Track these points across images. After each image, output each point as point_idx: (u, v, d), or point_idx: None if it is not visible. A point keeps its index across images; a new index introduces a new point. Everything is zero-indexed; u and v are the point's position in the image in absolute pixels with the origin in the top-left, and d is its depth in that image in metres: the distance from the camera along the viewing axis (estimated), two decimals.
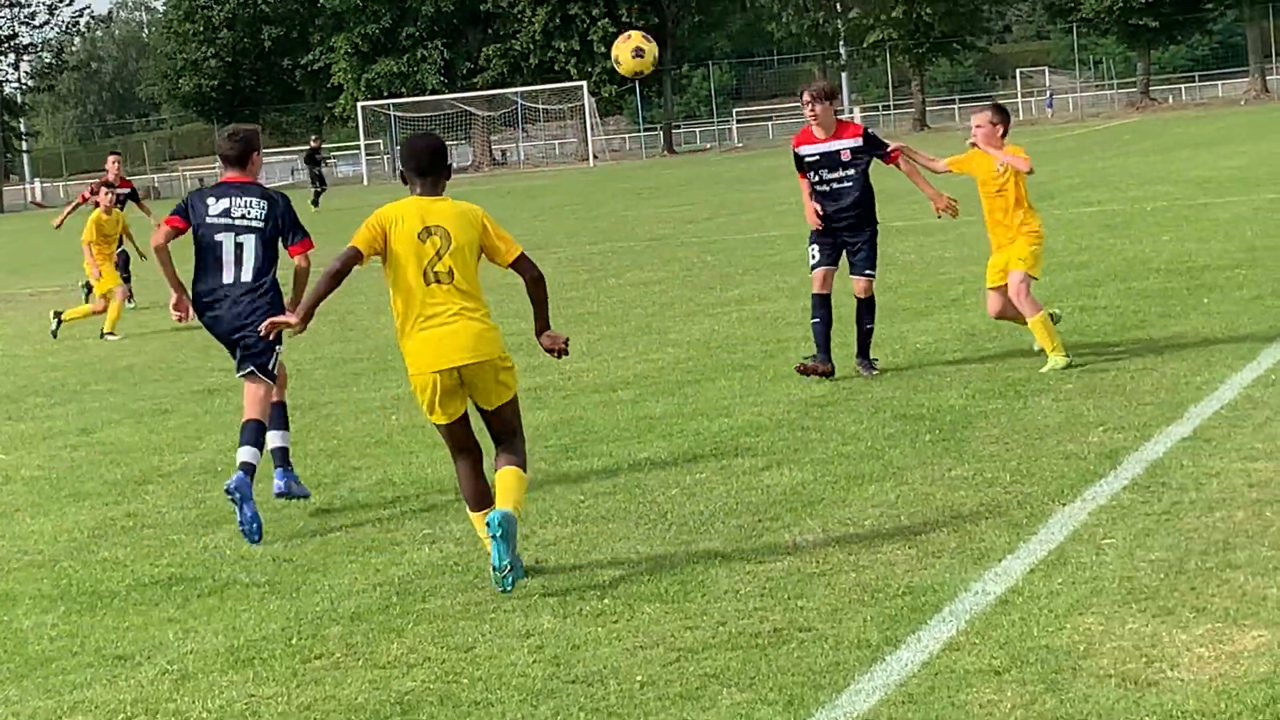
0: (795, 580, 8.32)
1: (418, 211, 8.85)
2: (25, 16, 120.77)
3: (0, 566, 10.15)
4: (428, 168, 8.94)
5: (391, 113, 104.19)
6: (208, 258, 11.12)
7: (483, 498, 8.97)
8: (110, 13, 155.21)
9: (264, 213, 11.21)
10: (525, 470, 8.95)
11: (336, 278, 8.85)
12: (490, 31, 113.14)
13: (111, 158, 28.35)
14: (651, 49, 14.37)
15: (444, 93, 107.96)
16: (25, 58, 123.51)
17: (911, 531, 9.06)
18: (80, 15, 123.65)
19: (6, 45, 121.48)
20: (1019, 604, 7.63)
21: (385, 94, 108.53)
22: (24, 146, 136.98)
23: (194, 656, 7.94)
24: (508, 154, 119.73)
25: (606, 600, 8.24)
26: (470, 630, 7.96)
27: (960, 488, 9.98)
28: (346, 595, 8.77)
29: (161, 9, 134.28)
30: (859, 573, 8.36)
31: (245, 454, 10.65)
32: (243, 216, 11.14)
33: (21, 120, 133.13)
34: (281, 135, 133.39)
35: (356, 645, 7.90)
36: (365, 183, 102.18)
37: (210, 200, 11.22)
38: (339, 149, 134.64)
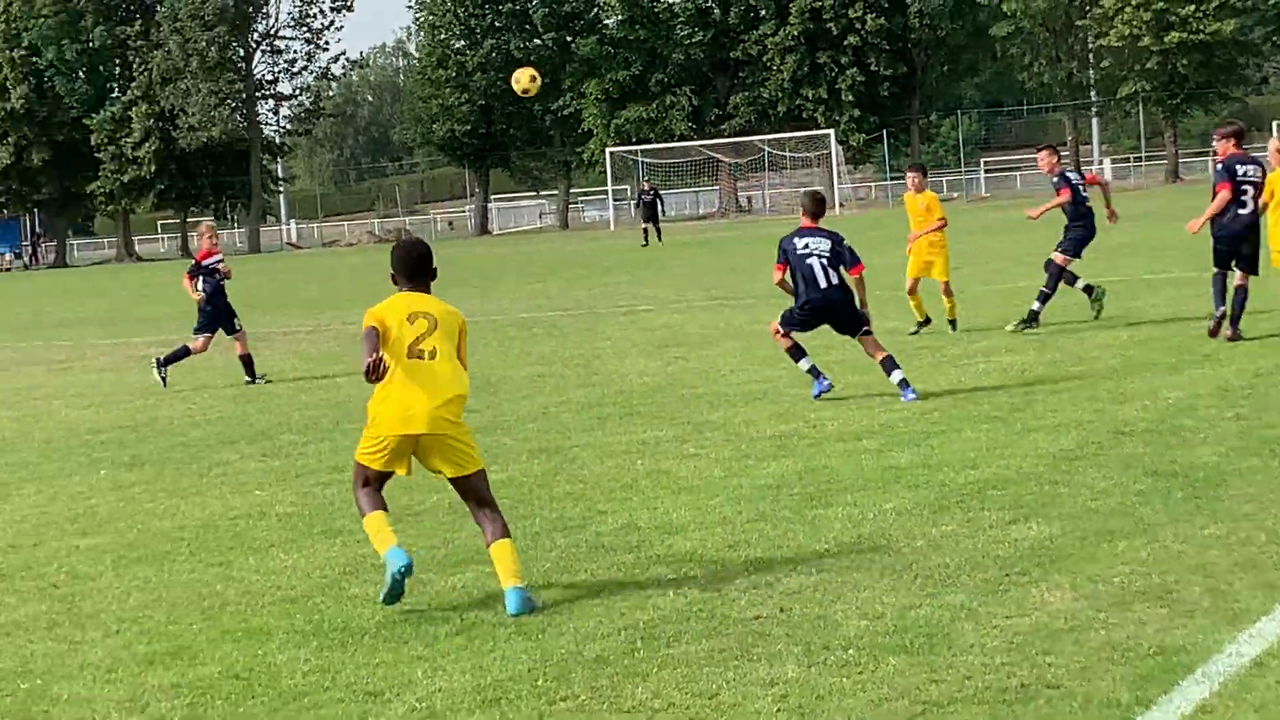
0: (1043, 636, 8.22)
1: (405, 301, 9.98)
2: (285, 63, 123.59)
3: (255, 601, 10.36)
4: (415, 273, 10.15)
5: (639, 158, 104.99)
6: (809, 275, 17.31)
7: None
8: (364, 57, 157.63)
9: (828, 248, 17.30)
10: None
11: (374, 339, 9.79)
12: (739, 79, 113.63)
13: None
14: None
15: (692, 139, 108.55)
16: (285, 104, 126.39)
17: (1163, 590, 8.92)
18: (335, 60, 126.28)
19: (268, 92, 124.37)
20: (1274, 667, 7.47)
21: (634, 140, 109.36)
22: (281, 188, 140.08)
23: (442, 695, 8.04)
24: (753, 201, 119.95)
25: (851, 651, 8.21)
26: (714, 677, 7.97)
27: (1213, 547, 9.80)
28: (592, 638, 8.82)
29: (416, 55, 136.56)
30: (1108, 630, 8.24)
31: (896, 376, 17.14)
32: (818, 249, 17.31)
33: (279, 163, 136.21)
34: (530, 181, 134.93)
35: (602, 689, 7.95)
36: (612, 227, 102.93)
37: (797, 240, 17.39)
38: (586, 194, 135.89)
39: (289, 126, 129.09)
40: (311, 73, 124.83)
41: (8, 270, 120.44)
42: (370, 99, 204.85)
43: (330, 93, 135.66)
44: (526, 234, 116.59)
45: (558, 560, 10.84)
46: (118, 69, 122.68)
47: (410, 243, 10.38)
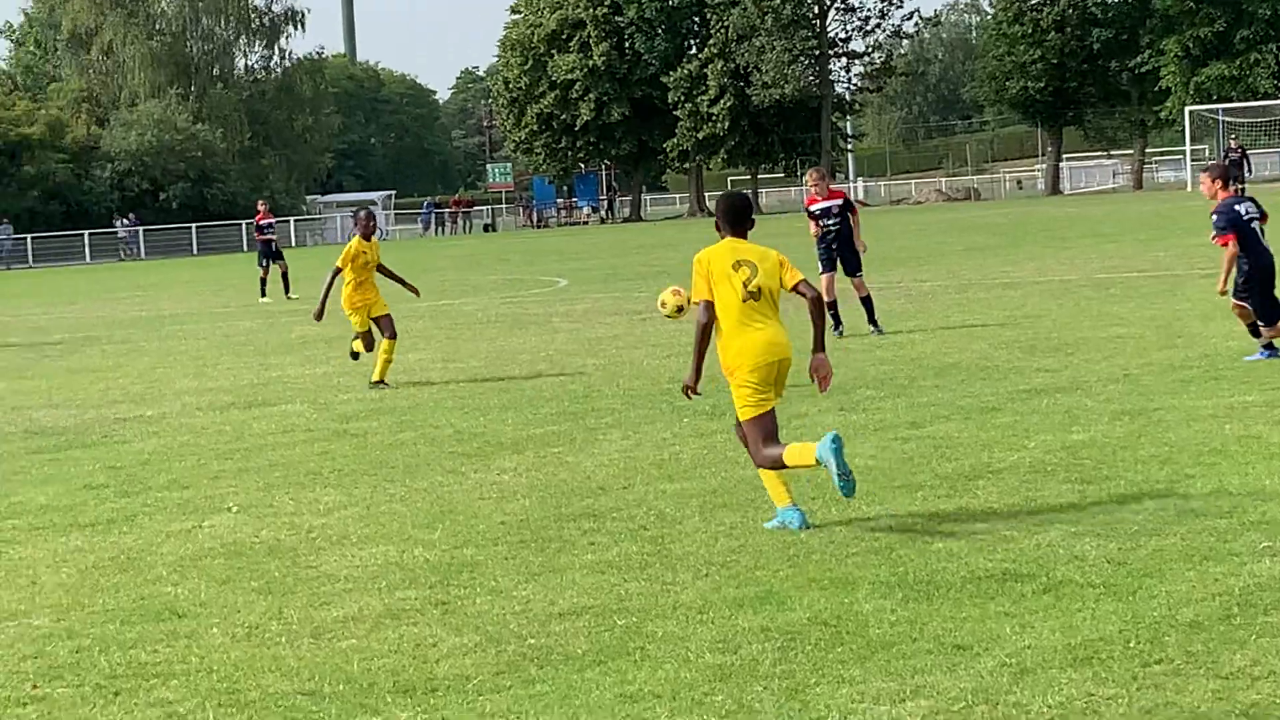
0: None
1: (729, 250, 11.39)
2: (859, 20, 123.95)
3: (839, 551, 10.45)
4: (736, 221, 11.57)
5: (1220, 118, 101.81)
6: (1253, 241, 18.15)
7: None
8: (938, 14, 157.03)
9: (1257, 209, 18.35)
10: None
11: (707, 330, 11.36)
12: None
13: None
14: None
15: (1276, 98, 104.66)
16: (857, 62, 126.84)
17: None
18: (909, 18, 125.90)
19: (840, 50, 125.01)
20: None
21: (1214, 98, 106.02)
22: (850, 146, 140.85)
23: (1031, 652, 7.97)
24: None
25: None
26: None
27: None
28: (1184, 602, 8.62)
29: (990, 12, 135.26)
30: None
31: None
32: (1254, 211, 18.35)
33: (849, 121, 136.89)
34: (1104, 141, 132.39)
35: (1197, 653, 7.76)
36: (1189, 189, 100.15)
37: (1239, 207, 18.23)
38: (1161, 154, 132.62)
39: (860, 84, 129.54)
40: (884, 30, 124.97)
41: (585, 224, 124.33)
42: (941, 56, 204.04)
43: (902, 50, 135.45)
44: (1099, 194, 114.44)
45: (1145, 523, 10.61)
46: (695, 26, 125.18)
47: (733, 194, 11.96)
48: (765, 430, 11.27)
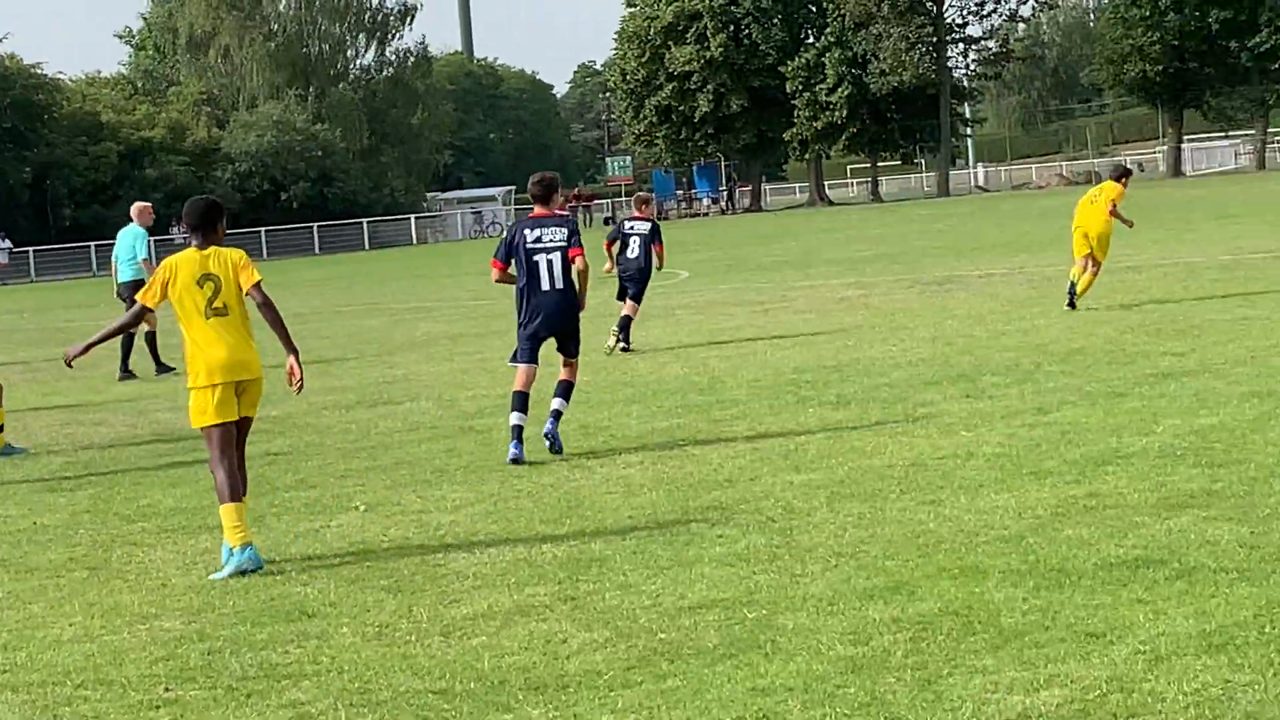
0: None
1: (195, 261, 11.20)
2: (975, 5, 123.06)
3: (969, 540, 10.39)
4: (199, 224, 11.28)
5: None
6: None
7: (237, 490, 11.11)
8: None
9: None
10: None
11: (134, 320, 11.98)
12: None
13: None
14: None
15: None
16: (973, 48, 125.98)
17: None
18: (1024, 2, 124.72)
19: (957, 35, 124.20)
20: None
21: None
22: (969, 132, 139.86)
23: (1165, 639, 7.89)
24: None
25: None
26: None
27: None
28: None
29: None
30: None
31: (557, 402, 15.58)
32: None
33: (967, 106, 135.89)
34: (1224, 120, 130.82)
35: None
36: None
37: None
38: None
39: (978, 70, 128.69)
40: (1000, 15, 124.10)
41: (705, 215, 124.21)
42: (1059, 40, 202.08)
43: (1019, 35, 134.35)
44: (1221, 175, 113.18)
45: (1278, 505, 10.50)
46: (811, 15, 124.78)
47: (199, 197, 11.62)
48: (224, 444, 11.31)
